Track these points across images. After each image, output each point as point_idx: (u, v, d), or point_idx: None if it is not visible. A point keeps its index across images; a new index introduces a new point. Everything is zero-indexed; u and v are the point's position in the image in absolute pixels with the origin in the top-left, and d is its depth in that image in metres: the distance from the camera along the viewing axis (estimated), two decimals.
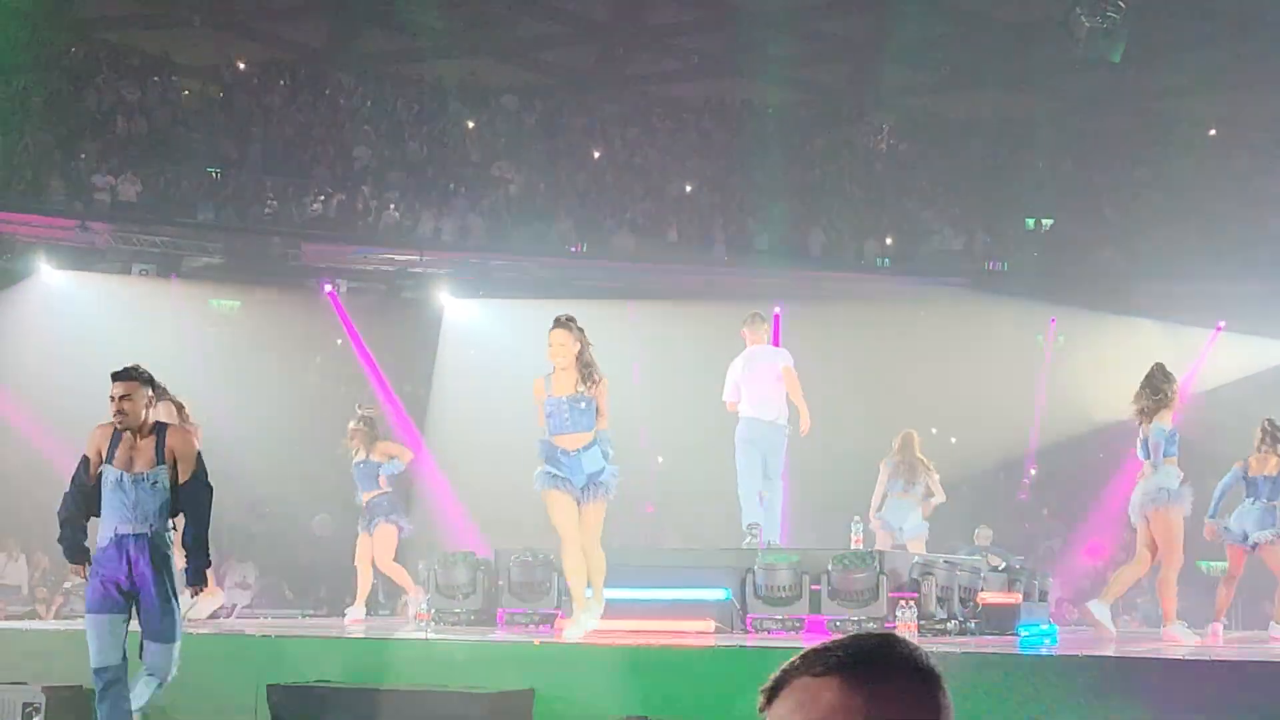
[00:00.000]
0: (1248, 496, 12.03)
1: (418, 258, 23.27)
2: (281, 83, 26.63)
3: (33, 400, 19.98)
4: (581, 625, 9.80)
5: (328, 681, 9.10)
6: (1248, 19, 27.79)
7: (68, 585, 17.56)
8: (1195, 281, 23.62)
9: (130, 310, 20.79)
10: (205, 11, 26.21)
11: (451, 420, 21.99)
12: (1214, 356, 22.75)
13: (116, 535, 7.80)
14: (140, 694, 7.92)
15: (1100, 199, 26.46)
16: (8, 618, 15.86)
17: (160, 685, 7.96)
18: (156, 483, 7.82)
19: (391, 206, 23.86)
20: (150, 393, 8.01)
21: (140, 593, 7.78)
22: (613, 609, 10.69)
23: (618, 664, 8.87)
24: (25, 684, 9.04)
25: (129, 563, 7.75)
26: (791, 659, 2.13)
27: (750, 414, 12.35)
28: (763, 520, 12.24)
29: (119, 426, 7.89)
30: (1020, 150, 26.98)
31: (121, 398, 7.88)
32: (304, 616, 13.17)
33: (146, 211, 22.33)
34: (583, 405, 9.71)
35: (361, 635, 11.04)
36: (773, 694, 2.11)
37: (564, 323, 9.80)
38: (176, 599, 7.94)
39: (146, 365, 11.39)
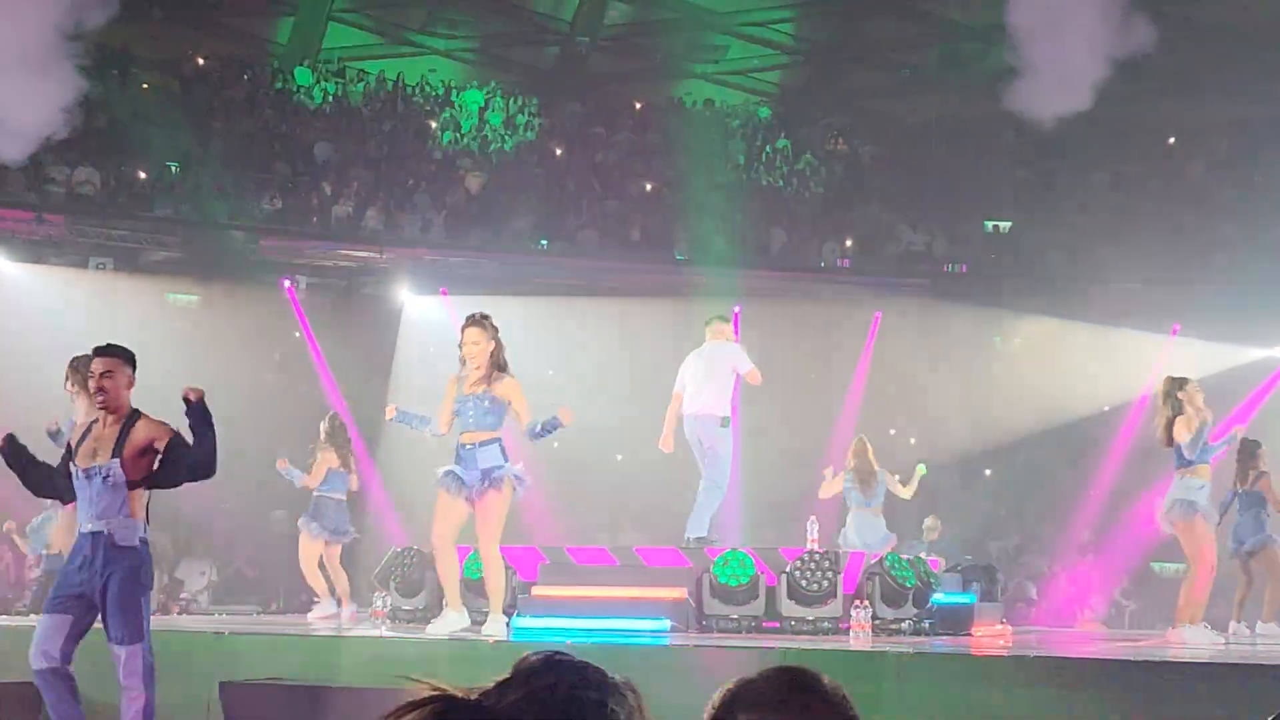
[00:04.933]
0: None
1: (378, 254, 23.20)
2: (244, 78, 26.50)
3: None
4: (447, 624, 9.83)
5: (281, 679, 9.08)
6: (1206, 26, 28.02)
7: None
8: (1152, 286, 23.81)
9: (87, 304, 20.64)
10: (166, 4, 26.04)
11: None
12: (1169, 360, 22.91)
13: (81, 532, 7.57)
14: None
15: (1058, 203, 26.61)
16: None
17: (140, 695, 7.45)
18: (109, 476, 7.39)
19: (350, 203, 23.79)
20: (131, 373, 7.59)
21: (101, 594, 7.41)
22: (568, 606, 10.71)
23: None
24: None
25: (89, 561, 7.44)
26: (729, 690, 2.15)
27: (688, 411, 12.28)
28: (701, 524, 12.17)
29: (99, 406, 7.49)
30: (979, 154, 27.10)
31: (103, 374, 7.46)
32: (258, 614, 13.14)
33: (104, 205, 22.17)
34: (487, 404, 9.70)
35: (315, 633, 11.02)
36: None
37: (478, 320, 9.78)
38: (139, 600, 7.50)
39: None
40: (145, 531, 7.52)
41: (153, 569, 7.72)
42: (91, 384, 7.56)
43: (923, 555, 13.81)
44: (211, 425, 7.62)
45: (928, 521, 17.55)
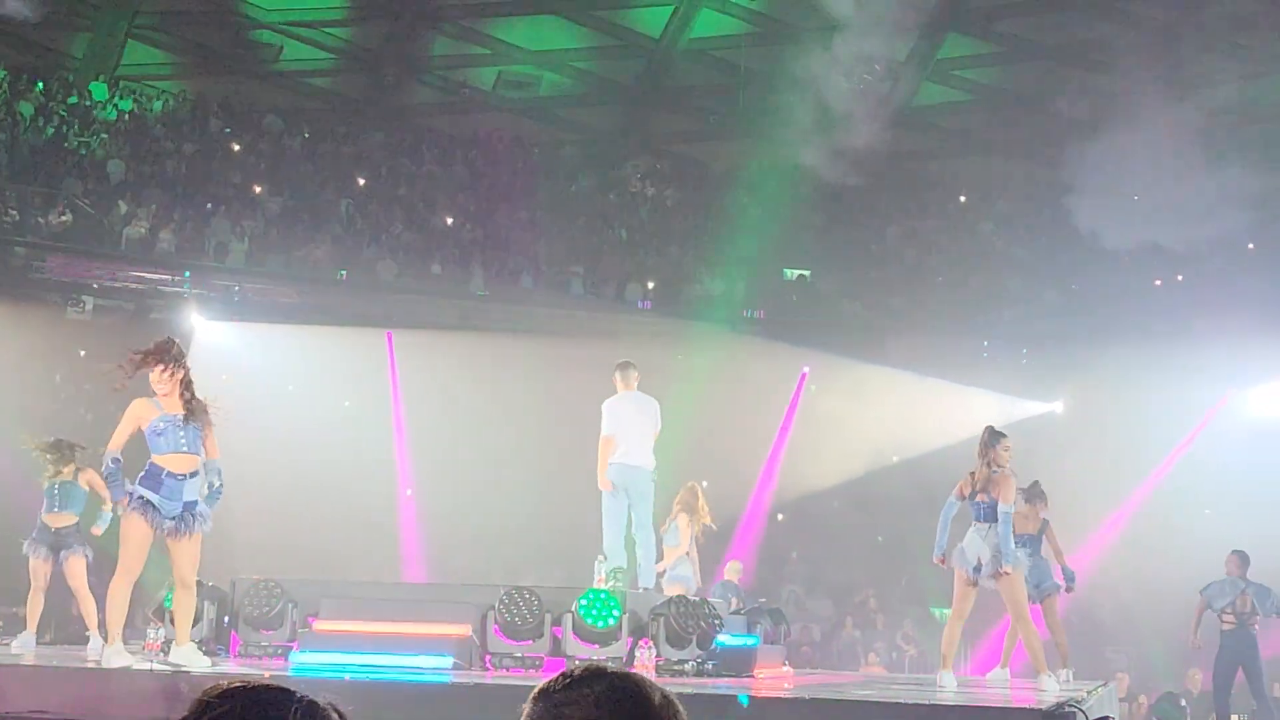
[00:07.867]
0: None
1: (169, 277, 22.58)
2: (36, 89, 25.65)
3: None
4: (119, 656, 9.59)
5: (46, 713, 8.72)
6: (997, 89, 29.05)
7: None
8: (943, 337, 24.44)
9: None
10: None
11: None
12: (959, 411, 23.49)
13: None
14: None
15: (855, 254, 27.22)
16: None
17: None
18: None
19: (145, 223, 23.14)
20: None
21: None
22: (351, 642, 10.52)
23: (351, 697, 8.69)
24: None
25: None
26: (552, 678, 2.16)
27: (621, 460, 12.35)
28: (625, 563, 12.18)
29: None
30: (780, 203, 27.57)
31: None
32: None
33: None
34: (195, 426, 9.57)
35: (84, 666, 10.60)
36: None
37: (168, 351, 9.63)
38: None
39: None
40: None
41: None
42: None
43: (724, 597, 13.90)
44: None
45: (730, 564, 17.57)
